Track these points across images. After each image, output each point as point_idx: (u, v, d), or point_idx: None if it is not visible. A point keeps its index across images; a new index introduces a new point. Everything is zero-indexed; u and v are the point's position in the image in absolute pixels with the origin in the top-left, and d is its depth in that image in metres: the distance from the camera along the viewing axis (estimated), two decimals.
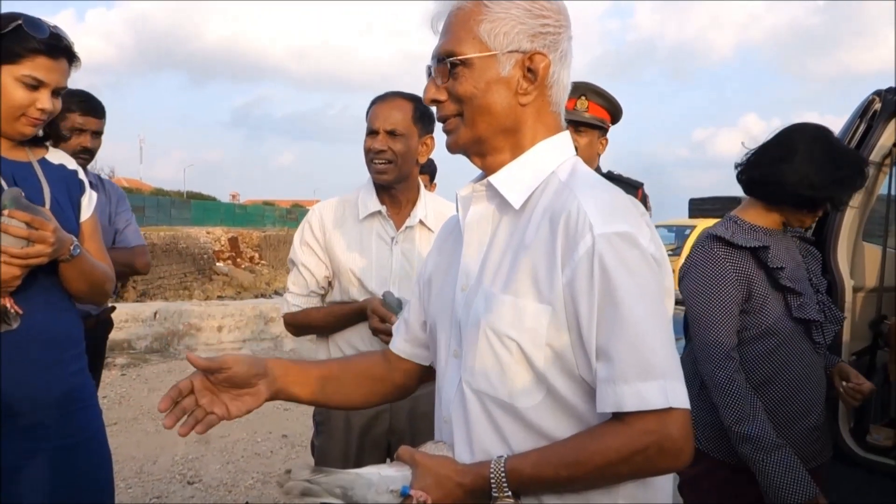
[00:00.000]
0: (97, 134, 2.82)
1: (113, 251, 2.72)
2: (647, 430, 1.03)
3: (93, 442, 1.88)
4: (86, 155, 2.78)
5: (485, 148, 1.19)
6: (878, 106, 2.59)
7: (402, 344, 1.43)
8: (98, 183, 2.87)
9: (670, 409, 1.02)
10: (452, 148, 1.22)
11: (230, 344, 7.85)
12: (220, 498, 3.93)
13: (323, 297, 2.32)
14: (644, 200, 2.84)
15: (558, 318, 1.08)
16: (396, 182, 2.22)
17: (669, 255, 2.19)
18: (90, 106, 2.78)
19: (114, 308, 2.99)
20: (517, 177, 1.18)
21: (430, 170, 4.43)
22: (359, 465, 2.21)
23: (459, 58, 1.15)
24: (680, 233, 12.86)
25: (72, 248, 1.75)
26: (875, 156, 2.59)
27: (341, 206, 2.29)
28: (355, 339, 2.23)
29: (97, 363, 2.99)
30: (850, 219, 2.57)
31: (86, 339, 1.95)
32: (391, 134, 2.17)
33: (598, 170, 2.79)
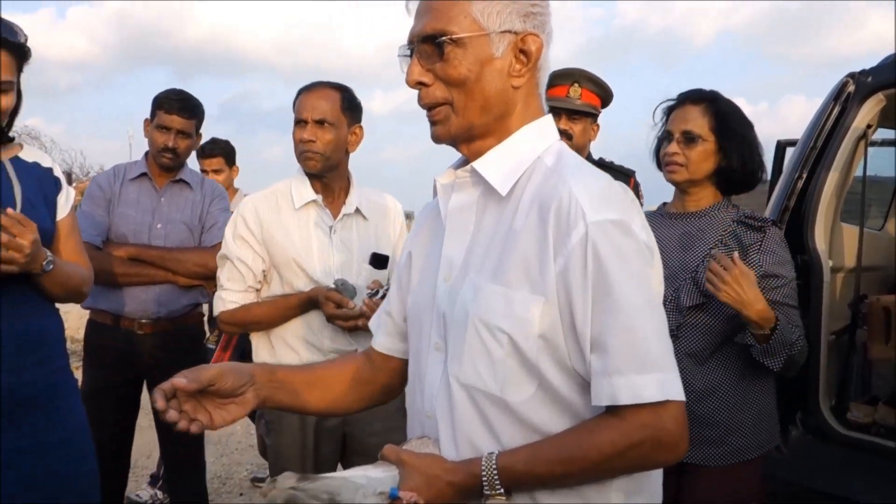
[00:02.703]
0: (183, 133, 2.77)
1: (188, 252, 2.77)
2: (642, 423, 1.01)
3: (75, 438, 1.89)
4: (169, 153, 2.75)
5: (475, 134, 1.14)
6: (851, 88, 2.60)
7: (387, 339, 1.36)
8: (198, 182, 2.90)
9: (666, 401, 1.00)
10: (442, 138, 1.16)
11: None
12: (214, 490, 3.93)
13: (258, 291, 2.26)
14: (636, 189, 2.81)
15: (551, 309, 1.05)
16: (326, 171, 2.21)
17: None
18: (178, 106, 2.76)
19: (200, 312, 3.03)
20: (502, 163, 1.13)
21: (225, 152, 4.12)
22: (316, 458, 2.21)
23: (452, 37, 1.09)
24: None
25: (44, 263, 1.74)
26: (850, 137, 2.61)
27: (273, 196, 2.25)
28: (301, 330, 2.19)
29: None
30: (827, 200, 2.59)
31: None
32: (320, 123, 2.15)
33: (588, 157, 2.79)
